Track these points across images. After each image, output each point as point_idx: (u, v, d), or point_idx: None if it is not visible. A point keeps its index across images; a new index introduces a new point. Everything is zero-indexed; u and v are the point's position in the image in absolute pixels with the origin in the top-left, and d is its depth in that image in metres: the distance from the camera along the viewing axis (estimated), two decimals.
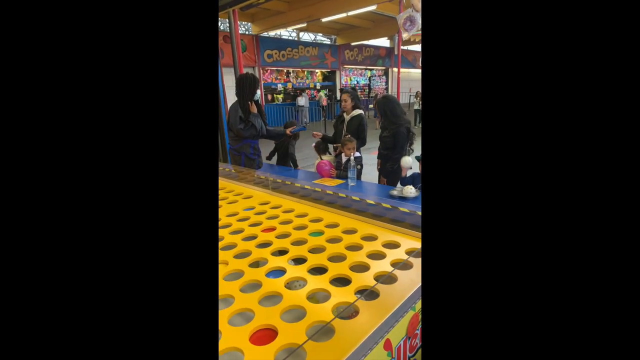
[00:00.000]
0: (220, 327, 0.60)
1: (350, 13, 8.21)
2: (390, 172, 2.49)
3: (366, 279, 0.74)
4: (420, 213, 1.03)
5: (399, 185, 2.26)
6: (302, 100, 11.41)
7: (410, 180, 2.25)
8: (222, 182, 1.61)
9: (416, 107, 9.67)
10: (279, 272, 0.80)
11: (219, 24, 7.75)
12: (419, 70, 16.79)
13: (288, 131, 2.76)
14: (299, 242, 0.94)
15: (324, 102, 12.19)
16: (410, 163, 2.18)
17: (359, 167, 2.43)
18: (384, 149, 2.50)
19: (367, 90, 15.45)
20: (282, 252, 0.90)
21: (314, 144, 2.91)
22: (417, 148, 2.50)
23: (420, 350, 0.71)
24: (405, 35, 2.50)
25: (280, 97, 12.19)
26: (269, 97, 11.88)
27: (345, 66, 14.05)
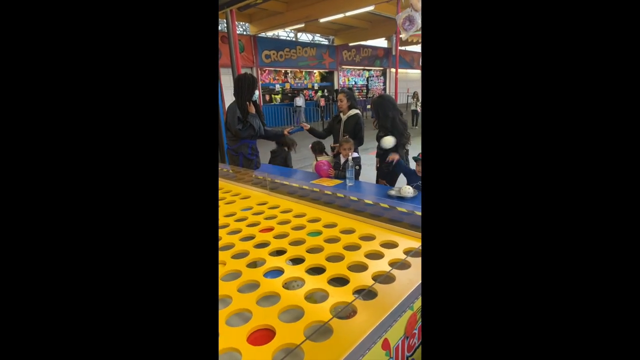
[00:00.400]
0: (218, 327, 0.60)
1: (348, 14, 8.22)
2: (386, 174, 2.49)
3: (364, 279, 0.74)
4: (418, 213, 1.03)
5: (396, 185, 2.27)
6: (299, 101, 11.41)
7: (400, 170, 2.25)
8: (220, 183, 1.60)
9: (413, 107, 9.69)
10: (277, 272, 0.79)
11: None
12: (417, 71, 16.84)
13: (286, 131, 2.77)
14: (297, 242, 0.94)
15: (322, 103, 12.20)
16: (391, 143, 2.19)
17: (357, 167, 2.43)
18: (380, 149, 2.50)
19: (365, 90, 15.47)
20: (280, 252, 0.89)
21: (310, 145, 2.91)
22: (414, 148, 2.50)
23: (418, 350, 0.71)
24: (403, 36, 2.51)
25: (278, 97, 12.18)
26: (267, 97, 11.87)
27: (343, 67, 14.07)
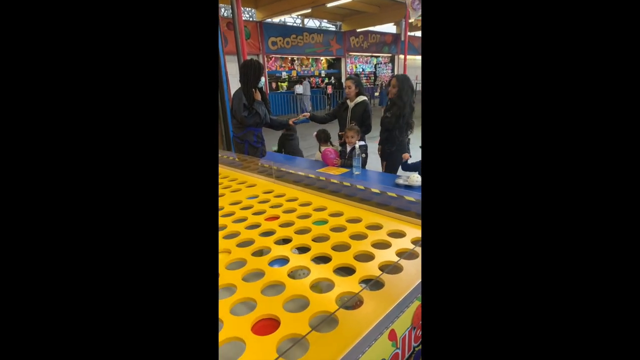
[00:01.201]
0: (222, 317, 0.59)
1: None
2: (389, 155, 2.46)
3: (371, 269, 0.73)
4: None
5: (404, 173, 2.24)
6: (299, 89, 11.19)
7: (413, 167, 2.23)
8: (226, 171, 1.59)
9: None
10: (282, 261, 0.79)
11: (222, 11, 7.63)
12: None
13: (291, 121, 2.74)
14: (302, 231, 0.93)
15: (329, 90, 12.06)
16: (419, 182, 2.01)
17: (363, 155, 2.40)
18: (384, 131, 2.47)
19: (373, 78, 15.22)
20: (285, 241, 0.89)
21: (315, 133, 2.88)
22: (418, 137, 2.46)
23: None
24: (413, 19, 2.44)
25: (284, 85, 12.06)
26: (273, 85, 11.77)
27: (351, 53, 13.83)
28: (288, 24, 12.04)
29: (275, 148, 3.07)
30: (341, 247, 0.83)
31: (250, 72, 2.30)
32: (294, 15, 11.13)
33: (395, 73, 15.62)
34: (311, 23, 12.84)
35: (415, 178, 1.92)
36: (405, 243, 0.83)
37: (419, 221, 0.94)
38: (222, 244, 0.87)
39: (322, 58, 13.12)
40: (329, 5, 8.78)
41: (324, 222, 0.98)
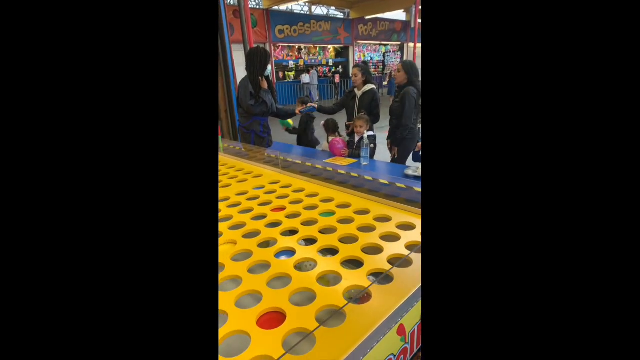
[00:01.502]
0: (227, 309, 0.58)
1: None
2: (401, 141, 2.42)
3: (379, 262, 0.71)
4: None
5: (414, 164, 2.20)
6: (306, 78, 11.07)
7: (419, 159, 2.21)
8: (232, 161, 1.58)
9: None
10: (289, 252, 0.77)
11: None
12: None
13: (298, 110, 2.70)
14: (309, 222, 0.91)
15: (337, 79, 11.91)
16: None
17: (372, 145, 2.36)
18: (395, 119, 2.43)
19: (381, 67, 14.95)
20: (292, 232, 0.87)
21: (322, 123, 2.84)
22: None
23: None
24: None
25: (291, 74, 11.94)
26: (280, 74, 11.66)
27: (359, 41, 13.58)
28: (295, 11, 11.83)
29: (281, 122, 2.93)
30: (349, 240, 0.81)
31: (256, 59, 2.26)
32: (301, 2, 10.92)
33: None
34: (319, 10, 12.60)
35: None
36: (415, 236, 0.81)
37: None
38: (228, 235, 0.86)
39: (329, 47, 12.91)
40: None
41: (331, 213, 0.96)
